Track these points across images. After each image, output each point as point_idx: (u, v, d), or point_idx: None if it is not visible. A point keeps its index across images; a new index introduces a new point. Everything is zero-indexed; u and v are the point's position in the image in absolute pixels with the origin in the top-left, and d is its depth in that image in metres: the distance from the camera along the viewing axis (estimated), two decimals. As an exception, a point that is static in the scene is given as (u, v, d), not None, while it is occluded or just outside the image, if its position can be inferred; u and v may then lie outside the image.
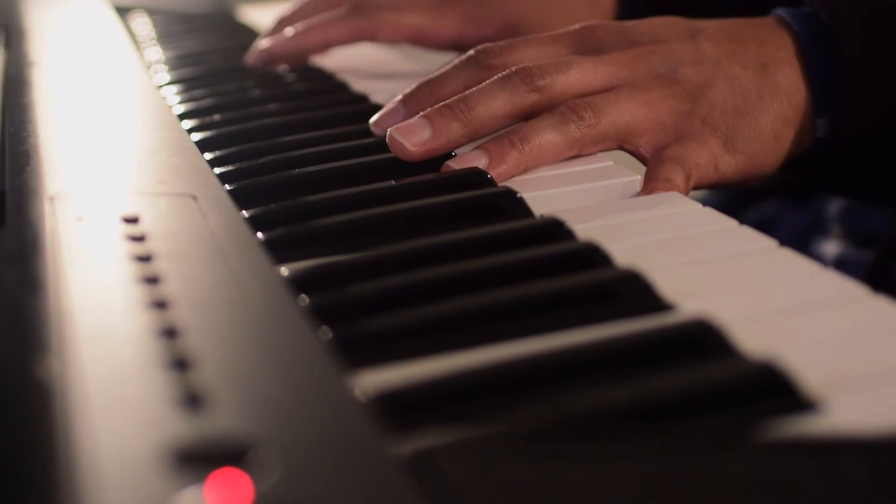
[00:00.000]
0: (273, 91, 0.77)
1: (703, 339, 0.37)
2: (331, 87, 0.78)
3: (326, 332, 0.37)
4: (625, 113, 0.57)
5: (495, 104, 0.57)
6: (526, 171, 0.56)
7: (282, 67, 0.85)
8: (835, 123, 0.60)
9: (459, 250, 0.45)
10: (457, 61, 0.61)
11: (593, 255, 0.44)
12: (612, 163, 0.57)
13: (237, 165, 0.57)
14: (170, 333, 0.34)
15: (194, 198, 0.48)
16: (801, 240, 0.88)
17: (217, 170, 0.56)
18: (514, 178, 0.55)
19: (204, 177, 0.52)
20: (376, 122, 0.61)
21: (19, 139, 0.57)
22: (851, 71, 0.59)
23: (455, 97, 0.57)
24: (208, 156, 0.59)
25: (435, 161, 0.56)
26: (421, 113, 0.57)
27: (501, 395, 0.34)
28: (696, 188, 0.57)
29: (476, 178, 0.53)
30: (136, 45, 0.93)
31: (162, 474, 0.27)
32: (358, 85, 0.78)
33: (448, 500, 0.28)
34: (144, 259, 0.40)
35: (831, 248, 0.84)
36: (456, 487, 0.28)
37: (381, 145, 0.57)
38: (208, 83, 0.79)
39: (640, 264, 0.42)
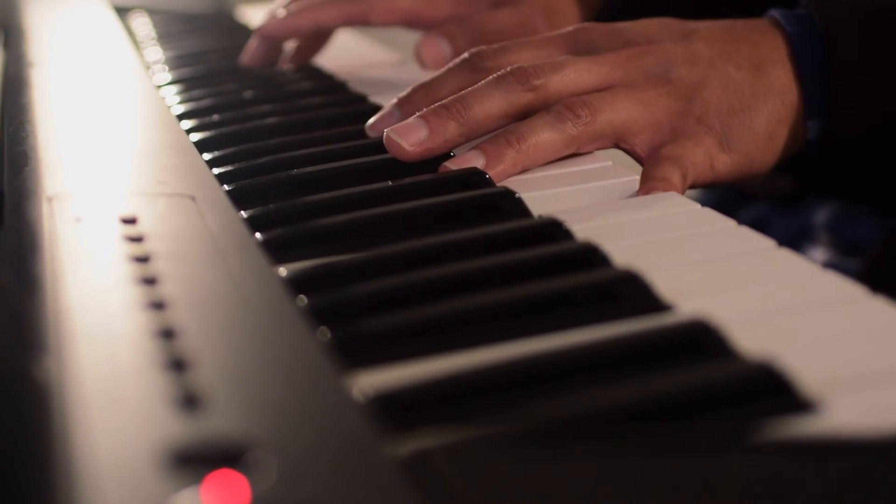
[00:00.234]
0: (272, 91, 0.77)
1: (702, 339, 0.36)
2: (330, 88, 0.78)
3: (325, 333, 0.37)
4: (621, 111, 0.57)
5: (491, 103, 0.57)
6: (524, 170, 0.56)
7: (281, 67, 0.85)
8: (826, 125, 0.60)
9: (458, 251, 0.45)
10: (451, 64, 0.61)
11: (592, 256, 0.44)
12: (610, 163, 0.57)
13: (236, 166, 0.57)
14: (168, 334, 0.34)
15: (193, 198, 0.48)
16: (789, 246, 0.88)
17: (216, 170, 0.56)
18: (512, 178, 0.55)
19: (203, 177, 0.52)
20: (372, 125, 0.61)
21: (18, 139, 0.57)
22: (844, 73, 0.59)
23: (451, 97, 0.57)
24: (207, 156, 0.59)
25: (433, 162, 0.56)
26: (417, 113, 0.57)
27: (499, 395, 0.34)
28: (691, 187, 0.57)
29: (474, 178, 0.53)
30: (136, 45, 0.93)
31: (159, 475, 0.27)
32: (357, 85, 0.78)
33: (446, 500, 0.28)
34: (143, 260, 0.40)
35: (819, 255, 0.84)
36: (453, 488, 0.28)
37: (380, 146, 0.57)
38: (207, 83, 0.79)
39: (638, 264, 0.42)
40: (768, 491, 0.29)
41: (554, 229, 0.47)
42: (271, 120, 0.68)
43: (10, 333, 0.35)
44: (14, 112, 0.64)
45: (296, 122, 0.67)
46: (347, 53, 0.88)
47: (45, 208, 0.46)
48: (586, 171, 0.56)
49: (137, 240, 0.42)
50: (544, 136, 0.56)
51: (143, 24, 1.05)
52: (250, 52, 0.82)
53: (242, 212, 0.49)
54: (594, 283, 0.42)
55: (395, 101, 0.61)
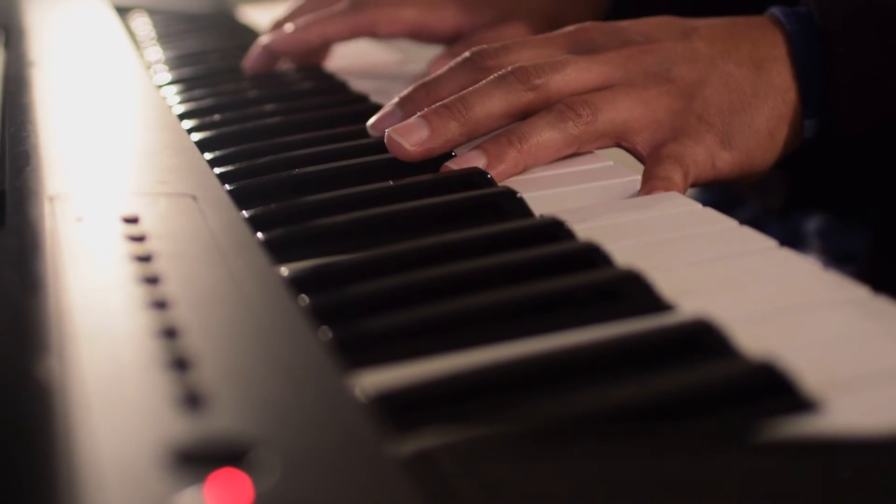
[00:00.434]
0: (273, 91, 0.77)
1: (703, 338, 0.37)
2: (331, 88, 0.78)
3: (326, 333, 0.37)
4: (622, 110, 0.57)
5: (492, 103, 0.57)
6: (525, 169, 0.56)
7: (282, 67, 0.84)
8: (823, 124, 0.60)
9: (459, 250, 0.45)
10: (452, 63, 0.61)
11: (593, 255, 0.44)
12: (612, 162, 0.57)
13: (237, 165, 0.57)
14: (169, 333, 0.34)
15: (194, 198, 0.48)
16: None
17: (217, 170, 0.56)
18: (514, 178, 0.55)
19: (204, 177, 0.52)
20: (373, 124, 0.61)
21: (19, 139, 0.57)
22: (843, 72, 0.59)
23: (452, 97, 0.57)
24: (208, 156, 0.59)
25: (434, 161, 0.56)
26: (418, 113, 0.57)
27: (501, 395, 0.34)
28: (693, 185, 0.57)
29: (476, 178, 0.53)
30: (136, 45, 0.93)
31: (161, 474, 0.27)
32: (358, 85, 0.78)
33: (447, 500, 0.28)
34: (144, 259, 0.40)
35: None
36: (455, 488, 0.28)
37: (381, 146, 0.57)
38: (208, 83, 0.79)
39: (639, 264, 0.42)
40: (768, 491, 0.29)
41: (555, 229, 0.47)
42: (272, 120, 0.68)
43: (12, 333, 0.35)
44: (15, 112, 0.64)
45: (297, 122, 0.67)
46: (348, 53, 0.88)
47: (46, 208, 0.46)
48: (588, 171, 0.56)
49: (139, 239, 0.42)
50: (546, 135, 0.56)
51: (143, 24, 1.05)
52: (253, 61, 0.82)
53: (244, 211, 0.49)
54: (596, 282, 0.42)
55: (395, 100, 0.61)
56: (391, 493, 0.28)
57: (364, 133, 0.62)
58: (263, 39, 0.82)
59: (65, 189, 0.48)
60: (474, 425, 0.32)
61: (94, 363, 0.32)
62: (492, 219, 0.49)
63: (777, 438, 0.32)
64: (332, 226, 0.49)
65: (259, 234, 0.47)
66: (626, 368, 0.36)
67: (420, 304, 0.40)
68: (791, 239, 0.86)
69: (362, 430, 0.30)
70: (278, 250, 0.45)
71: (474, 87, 0.58)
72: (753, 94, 0.58)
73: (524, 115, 0.58)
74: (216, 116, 0.68)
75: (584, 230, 0.46)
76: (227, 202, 0.49)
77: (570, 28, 0.62)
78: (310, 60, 0.86)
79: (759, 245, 0.46)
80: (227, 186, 0.53)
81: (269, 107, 0.72)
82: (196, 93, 0.75)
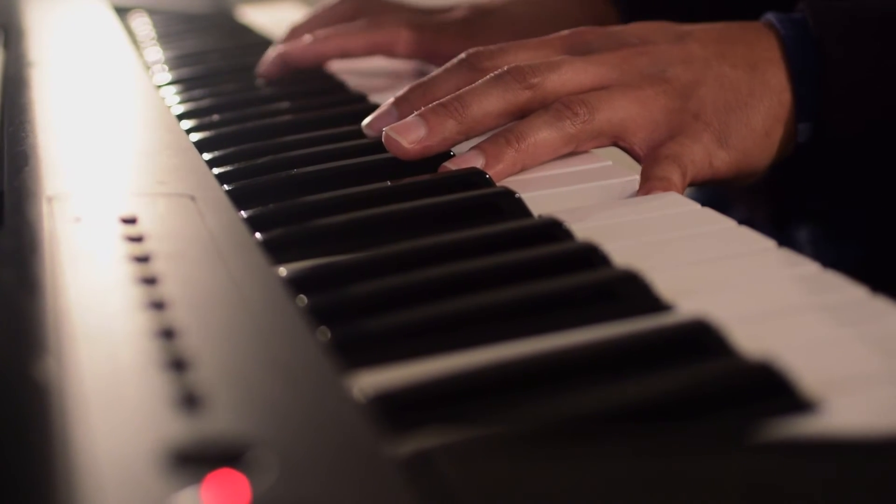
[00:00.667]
0: (272, 91, 0.77)
1: (702, 339, 0.37)
2: (329, 88, 0.78)
3: (324, 333, 0.37)
4: (619, 110, 0.57)
5: (489, 102, 0.57)
6: (523, 169, 0.56)
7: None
8: (817, 129, 0.60)
9: (458, 250, 0.45)
10: (448, 64, 0.61)
11: (592, 255, 0.44)
12: (610, 162, 0.57)
13: (236, 166, 0.57)
14: (168, 334, 0.34)
15: (193, 198, 0.48)
16: None
17: (215, 170, 0.56)
18: (512, 178, 0.55)
19: (202, 177, 0.52)
20: (370, 123, 0.61)
21: (18, 139, 0.57)
22: (837, 76, 0.59)
23: (448, 96, 0.57)
24: (207, 156, 0.59)
25: (432, 161, 0.56)
26: (416, 112, 0.57)
27: (499, 395, 0.34)
28: (690, 184, 0.57)
29: (474, 178, 0.53)
30: (136, 45, 0.93)
31: (159, 475, 0.27)
32: (356, 85, 0.78)
33: (446, 500, 0.28)
34: (142, 260, 0.40)
35: None
36: (453, 488, 0.28)
37: (380, 146, 0.57)
38: (207, 83, 0.79)
39: (638, 264, 0.42)
40: (768, 491, 0.29)
41: (554, 229, 0.47)
42: (271, 120, 0.68)
43: (10, 333, 0.35)
44: (14, 112, 0.64)
45: (295, 122, 0.67)
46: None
47: (44, 208, 0.46)
48: (586, 171, 0.56)
49: (137, 240, 0.42)
50: (543, 134, 0.56)
51: (143, 24, 1.05)
52: (268, 67, 0.81)
53: (242, 212, 0.49)
54: (594, 282, 0.42)
55: (392, 99, 0.61)
56: (389, 493, 0.28)
57: (362, 133, 0.62)
58: (280, 47, 0.82)
59: (63, 189, 0.48)
60: (472, 426, 0.32)
61: (92, 363, 0.32)
62: (490, 219, 0.49)
63: (775, 438, 0.32)
64: (330, 226, 0.49)
65: (257, 235, 0.47)
66: (625, 368, 0.36)
67: (418, 304, 0.40)
68: (784, 246, 0.86)
69: (360, 430, 0.30)
70: (277, 250, 0.45)
71: (471, 86, 0.58)
72: (749, 94, 0.58)
73: (521, 114, 0.58)
74: (215, 117, 0.68)
75: (583, 230, 0.46)
76: (226, 202, 0.49)
77: (566, 31, 0.62)
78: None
79: (757, 245, 0.46)
80: (226, 187, 0.53)
81: (267, 107, 0.72)
82: (195, 93, 0.75)
